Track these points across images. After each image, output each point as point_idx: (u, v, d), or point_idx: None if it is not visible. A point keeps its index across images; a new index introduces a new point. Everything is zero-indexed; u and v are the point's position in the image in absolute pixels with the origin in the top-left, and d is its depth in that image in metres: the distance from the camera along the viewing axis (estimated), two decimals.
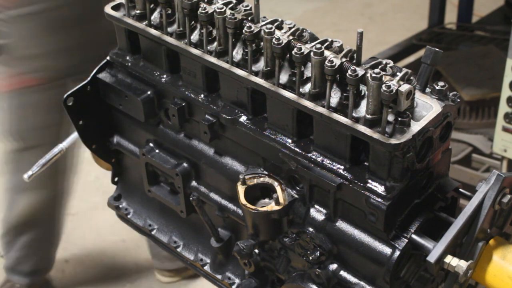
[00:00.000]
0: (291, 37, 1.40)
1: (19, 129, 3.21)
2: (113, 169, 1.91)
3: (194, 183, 1.69)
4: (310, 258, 1.46)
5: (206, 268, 1.74)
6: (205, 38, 1.51)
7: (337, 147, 1.38)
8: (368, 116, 1.31)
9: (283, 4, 6.75)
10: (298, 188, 1.47)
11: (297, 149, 1.43)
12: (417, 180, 1.37)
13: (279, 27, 1.44)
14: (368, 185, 1.34)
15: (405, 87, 1.26)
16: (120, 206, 1.91)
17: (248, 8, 1.49)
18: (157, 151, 1.73)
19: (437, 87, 1.36)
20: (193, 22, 1.56)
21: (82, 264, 4.14)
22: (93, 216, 4.41)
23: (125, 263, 4.14)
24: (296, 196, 1.47)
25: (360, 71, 1.30)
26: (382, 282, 1.39)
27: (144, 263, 4.07)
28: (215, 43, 1.51)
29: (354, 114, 1.33)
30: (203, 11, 1.47)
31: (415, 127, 1.30)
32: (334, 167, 1.39)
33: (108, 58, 1.74)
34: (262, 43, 1.43)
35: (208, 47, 1.52)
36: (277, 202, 1.46)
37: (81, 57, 3.01)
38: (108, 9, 1.67)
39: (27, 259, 3.64)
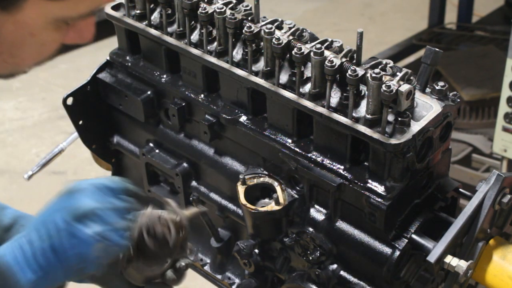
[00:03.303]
0: (291, 37, 1.40)
1: None
2: (113, 169, 1.91)
3: (194, 183, 1.69)
4: (310, 258, 1.46)
5: (206, 268, 1.74)
6: (205, 38, 1.51)
7: (337, 147, 1.38)
8: (368, 116, 1.31)
9: (283, 4, 6.74)
10: (298, 188, 1.47)
11: (297, 149, 1.43)
12: (417, 180, 1.37)
13: (279, 27, 1.44)
14: (368, 185, 1.34)
15: (405, 87, 1.26)
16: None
17: (248, 8, 1.49)
18: (157, 151, 1.72)
19: (437, 87, 1.36)
20: (193, 22, 1.55)
21: None
22: None
23: None
24: (296, 196, 1.47)
25: (360, 71, 1.29)
26: (382, 282, 1.39)
27: None
28: (215, 43, 1.51)
29: (354, 114, 1.33)
30: (203, 11, 1.46)
31: (415, 127, 1.29)
32: (334, 167, 1.39)
33: (108, 58, 1.74)
34: (262, 43, 1.43)
35: (208, 47, 1.52)
36: (277, 202, 1.46)
37: None
38: (108, 9, 1.67)
39: None
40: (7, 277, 1.23)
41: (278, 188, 1.48)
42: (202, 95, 1.58)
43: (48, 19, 1.17)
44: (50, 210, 1.33)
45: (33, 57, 1.24)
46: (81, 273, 1.33)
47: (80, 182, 1.36)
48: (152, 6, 1.61)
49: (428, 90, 1.37)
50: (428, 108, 1.33)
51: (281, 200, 1.46)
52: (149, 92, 1.66)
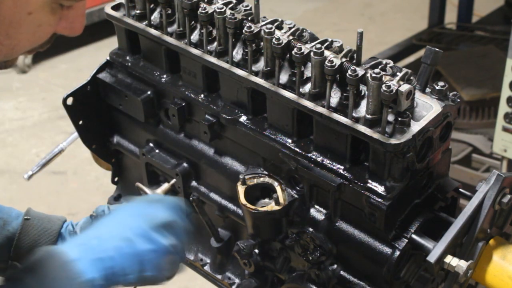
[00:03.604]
0: (291, 37, 1.40)
1: None
2: (113, 169, 1.91)
3: (194, 183, 1.69)
4: (310, 258, 1.46)
5: (206, 268, 1.74)
6: (205, 38, 1.51)
7: (337, 147, 1.38)
8: (368, 116, 1.31)
9: (283, 4, 6.75)
10: (298, 188, 1.47)
11: (297, 149, 1.43)
12: (417, 180, 1.37)
13: (279, 27, 1.44)
14: (368, 185, 1.34)
15: (405, 87, 1.26)
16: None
17: (248, 8, 1.49)
18: (157, 151, 1.72)
19: (437, 87, 1.36)
20: (193, 22, 1.55)
21: None
22: None
23: None
24: (296, 196, 1.47)
25: (360, 71, 1.29)
26: (382, 282, 1.39)
27: None
28: (215, 43, 1.51)
29: (354, 114, 1.33)
30: (203, 11, 1.46)
31: (415, 127, 1.29)
32: (334, 167, 1.39)
33: (108, 58, 1.74)
34: (262, 43, 1.43)
35: (208, 47, 1.52)
36: (277, 202, 1.46)
37: None
38: (108, 9, 1.67)
39: None
40: (70, 274, 1.20)
41: (278, 188, 1.48)
42: (202, 95, 1.58)
43: None
44: (125, 214, 1.31)
45: (29, 38, 1.24)
46: (143, 282, 1.29)
47: (156, 196, 1.36)
48: (152, 6, 1.61)
49: (428, 90, 1.37)
50: (428, 108, 1.33)
51: (281, 200, 1.46)
52: (149, 92, 1.66)
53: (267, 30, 1.39)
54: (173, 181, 1.62)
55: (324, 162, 1.40)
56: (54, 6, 1.22)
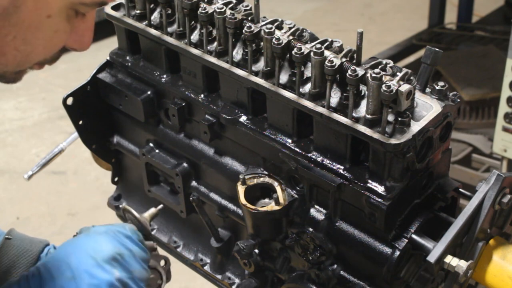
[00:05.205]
0: (291, 37, 1.40)
1: None
2: (113, 169, 1.91)
3: (194, 183, 1.69)
4: (310, 258, 1.46)
5: (206, 268, 1.74)
6: (205, 38, 1.51)
7: (337, 147, 1.38)
8: (368, 116, 1.31)
9: (283, 4, 6.75)
10: (298, 188, 1.47)
11: (297, 149, 1.43)
12: (417, 180, 1.37)
13: (279, 27, 1.44)
14: (368, 185, 1.34)
15: (405, 87, 1.26)
16: (120, 206, 1.91)
17: (248, 8, 1.49)
18: (157, 151, 1.73)
19: (437, 87, 1.36)
20: (193, 22, 1.55)
21: None
22: (93, 216, 4.41)
23: None
24: (296, 196, 1.47)
25: (360, 71, 1.29)
26: (382, 282, 1.39)
27: None
28: (215, 43, 1.51)
29: (354, 114, 1.33)
30: (203, 11, 1.46)
31: (415, 127, 1.29)
32: (334, 167, 1.39)
33: (108, 58, 1.74)
34: (262, 43, 1.43)
35: (208, 47, 1.52)
36: (277, 202, 1.46)
37: None
38: (108, 9, 1.67)
39: None
40: None
41: (278, 188, 1.48)
42: (202, 95, 1.58)
43: (66, 1, 1.18)
44: (65, 251, 1.29)
45: (45, 45, 1.23)
46: None
47: (98, 227, 1.35)
48: (152, 6, 1.61)
49: (428, 90, 1.37)
50: (428, 108, 1.33)
51: (281, 200, 1.46)
52: (149, 92, 1.66)
53: (267, 30, 1.39)
54: (160, 206, 1.61)
55: (324, 162, 1.40)
56: (69, 13, 1.22)
